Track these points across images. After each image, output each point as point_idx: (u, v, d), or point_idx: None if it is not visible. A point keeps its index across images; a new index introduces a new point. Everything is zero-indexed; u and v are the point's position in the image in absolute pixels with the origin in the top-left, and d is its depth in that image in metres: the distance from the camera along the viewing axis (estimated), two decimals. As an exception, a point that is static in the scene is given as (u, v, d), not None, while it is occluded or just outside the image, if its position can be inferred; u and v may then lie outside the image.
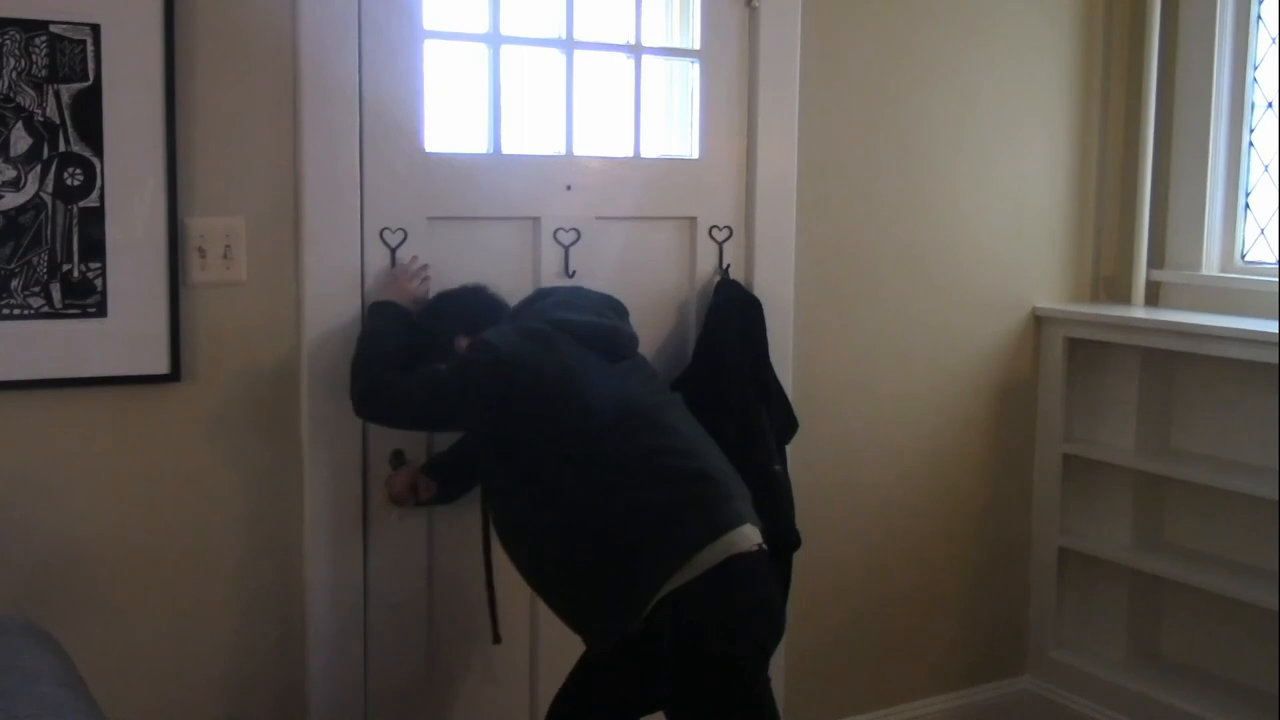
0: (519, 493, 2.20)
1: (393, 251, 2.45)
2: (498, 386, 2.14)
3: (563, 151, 2.64)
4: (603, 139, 2.72)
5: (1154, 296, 3.37)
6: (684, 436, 2.20)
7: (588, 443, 2.13)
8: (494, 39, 2.54)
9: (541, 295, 2.44)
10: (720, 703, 2.10)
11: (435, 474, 2.47)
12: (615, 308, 2.43)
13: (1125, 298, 3.39)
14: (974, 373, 3.27)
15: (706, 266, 2.83)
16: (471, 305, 2.39)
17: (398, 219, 2.46)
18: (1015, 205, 3.28)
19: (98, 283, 2.22)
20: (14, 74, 2.12)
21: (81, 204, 2.19)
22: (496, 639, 2.57)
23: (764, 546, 2.13)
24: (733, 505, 2.13)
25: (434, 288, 2.46)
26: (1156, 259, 3.38)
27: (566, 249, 2.63)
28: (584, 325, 2.27)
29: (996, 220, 3.26)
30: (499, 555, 2.37)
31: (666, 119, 2.84)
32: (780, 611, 2.18)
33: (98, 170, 2.19)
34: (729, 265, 2.84)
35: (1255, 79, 3.23)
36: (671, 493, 2.10)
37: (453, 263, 2.52)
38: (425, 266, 2.46)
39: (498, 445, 2.19)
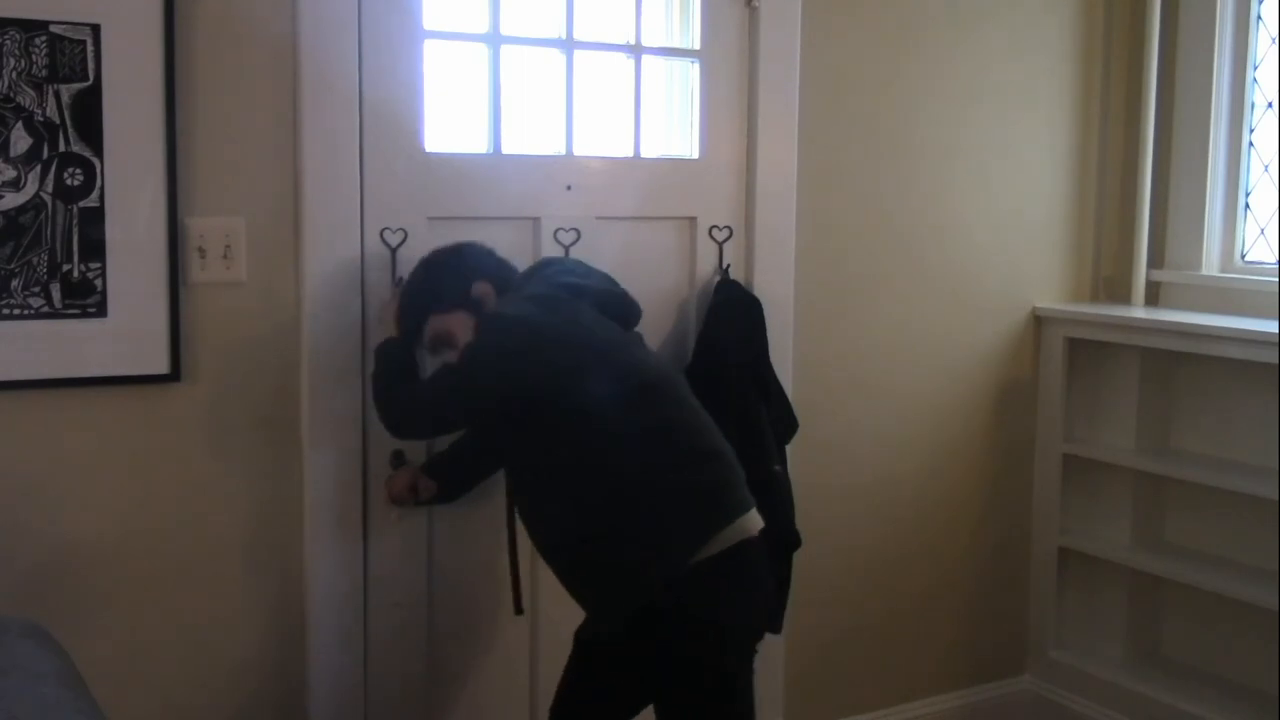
0: (540, 467, 2.18)
1: (393, 251, 2.45)
2: (521, 358, 2.11)
3: (563, 151, 2.64)
4: (603, 139, 2.72)
5: (1154, 296, 3.37)
6: (697, 411, 2.22)
7: (608, 417, 2.10)
8: (494, 39, 2.54)
9: (547, 264, 2.42)
10: (710, 692, 2.12)
11: (435, 474, 2.47)
12: (614, 283, 2.42)
13: (1125, 298, 3.39)
14: (974, 373, 3.27)
15: (706, 266, 2.83)
16: (479, 256, 2.34)
17: (398, 219, 2.46)
18: (1015, 205, 3.28)
19: (98, 283, 2.21)
20: (14, 74, 2.12)
21: (81, 204, 2.19)
22: (519, 610, 2.55)
23: (763, 530, 2.18)
24: (743, 489, 2.17)
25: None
26: (1156, 259, 3.38)
27: (566, 249, 2.63)
28: (597, 291, 2.27)
29: (996, 220, 3.26)
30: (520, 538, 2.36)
31: (666, 119, 2.84)
32: (774, 601, 2.20)
33: (98, 170, 2.19)
34: (729, 265, 2.84)
35: (1255, 79, 3.23)
36: (689, 471, 2.11)
37: (453, 263, 2.52)
38: None
39: (519, 419, 2.15)
